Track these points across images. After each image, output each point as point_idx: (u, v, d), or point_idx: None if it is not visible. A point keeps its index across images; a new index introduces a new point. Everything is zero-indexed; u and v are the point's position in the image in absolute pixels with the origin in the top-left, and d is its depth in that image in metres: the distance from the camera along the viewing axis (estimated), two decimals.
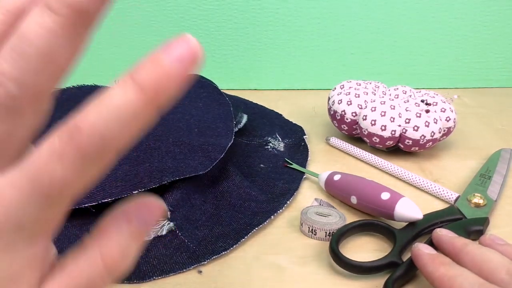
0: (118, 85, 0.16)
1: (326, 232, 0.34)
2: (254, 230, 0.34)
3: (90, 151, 0.15)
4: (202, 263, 0.31)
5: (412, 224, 0.33)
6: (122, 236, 0.18)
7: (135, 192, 0.34)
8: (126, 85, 0.15)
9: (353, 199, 0.36)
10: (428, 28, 0.64)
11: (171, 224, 0.33)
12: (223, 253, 0.32)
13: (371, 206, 0.35)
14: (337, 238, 0.32)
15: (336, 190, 0.38)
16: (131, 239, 0.18)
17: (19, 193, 0.15)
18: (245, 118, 0.48)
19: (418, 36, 0.65)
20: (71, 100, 0.48)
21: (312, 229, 0.34)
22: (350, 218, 0.36)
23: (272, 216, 0.36)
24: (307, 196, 0.40)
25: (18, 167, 0.15)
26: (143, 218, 0.19)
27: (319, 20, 0.63)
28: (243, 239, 0.33)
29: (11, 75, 0.15)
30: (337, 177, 0.38)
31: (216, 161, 0.38)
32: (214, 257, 0.32)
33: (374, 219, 0.35)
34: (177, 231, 0.33)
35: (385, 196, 0.34)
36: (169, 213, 0.34)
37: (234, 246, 0.33)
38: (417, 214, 0.33)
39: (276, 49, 0.65)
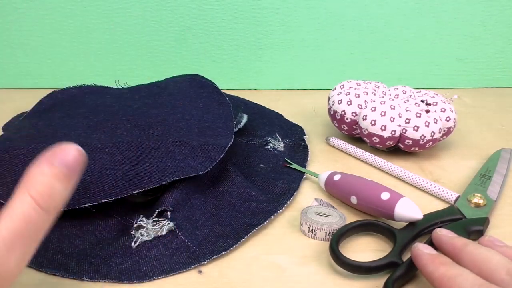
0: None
1: (326, 232, 0.34)
2: (254, 230, 0.34)
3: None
4: (202, 263, 0.31)
5: (412, 224, 0.33)
6: (45, 177, 0.22)
7: (135, 192, 0.34)
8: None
9: (353, 199, 0.36)
10: (428, 28, 0.64)
11: (171, 224, 0.33)
12: (223, 253, 0.32)
13: (371, 206, 0.35)
14: (337, 238, 0.32)
15: (336, 190, 0.38)
16: (55, 179, 0.22)
17: None
18: (245, 118, 0.48)
19: (418, 36, 0.65)
20: (71, 100, 0.48)
21: (312, 229, 0.34)
22: (350, 218, 0.36)
23: (272, 216, 0.36)
24: (307, 196, 0.40)
25: None
26: (63, 160, 0.22)
27: (319, 20, 0.63)
28: (243, 239, 0.33)
29: None
30: (337, 177, 0.38)
31: (216, 161, 0.37)
32: (214, 257, 0.32)
33: (374, 219, 0.35)
34: (177, 231, 0.33)
35: (385, 196, 0.34)
36: (169, 213, 0.34)
37: (234, 246, 0.33)
38: (417, 214, 0.33)
39: (276, 49, 0.65)
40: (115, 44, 0.64)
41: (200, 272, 0.31)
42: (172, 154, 0.37)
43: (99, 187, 0.34)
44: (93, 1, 0.62)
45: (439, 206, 0.38)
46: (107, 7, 0.62)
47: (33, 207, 0.21)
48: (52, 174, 0.22)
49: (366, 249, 0.33)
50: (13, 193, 0.24)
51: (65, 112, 0.44)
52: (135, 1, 0.62)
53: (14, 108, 0.54)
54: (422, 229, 0.33)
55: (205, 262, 0.31)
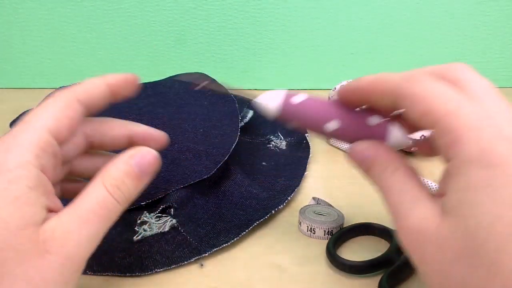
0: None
1: (325, 231, 0.34)
2: (255, 224, 0.34)
3: None
4: (203, 255, 0.31)
5: None
6: (118, 172, 0.25)
7: (143, 203, 0.35)
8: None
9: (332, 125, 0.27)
10: (428, 28, 0.64)
11: (174, 221, 0.33)
12: (224, 245, 0.32)
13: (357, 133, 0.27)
14: (333, 241, 0.32)
15: (304, 114, 0.29)
16: (126, 176, 0.25)
17: None
18: (250, 113, 0.48)
19: (418, 36, 0.65)
20: None
21: (310, 228, 0.34)
22: (348, 216, 0.36)
23: (273, 211, 0.36)
24: (306, 196, 0.40)
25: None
26: (138, 162, 0.25)
27: (319, 20, 0.63)
28: (244, 233, 0.34)
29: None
30: (298, 99, 0.28)
31: (220, 163, 0.38)
32: (215, 249, 0.32)
33: (369, 222, 0.35)
34: (180, 228, 0.33)
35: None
36: (172, 210, 0.34)
37: (236, 239, 0.33)
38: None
39: (276, 49, 0.65)
40: (115, 44, 0.64)
41: (202, 265, 0.31)
42: (177, 161, 0.38)
43: None
44: (93, 1, 0.62)
45: None
46: (107, 7, 0.62)
47: (104, 194, 0.24)
48: (125, 171, 0.25)
49: (364, 250, 0.33)
50: None
51: None
52: (135, 1, 0.62)
53: (14, 108, 0.54)
54: None
55: (206, 254, 0.32)
